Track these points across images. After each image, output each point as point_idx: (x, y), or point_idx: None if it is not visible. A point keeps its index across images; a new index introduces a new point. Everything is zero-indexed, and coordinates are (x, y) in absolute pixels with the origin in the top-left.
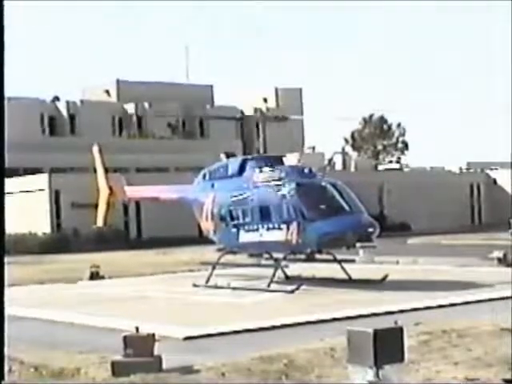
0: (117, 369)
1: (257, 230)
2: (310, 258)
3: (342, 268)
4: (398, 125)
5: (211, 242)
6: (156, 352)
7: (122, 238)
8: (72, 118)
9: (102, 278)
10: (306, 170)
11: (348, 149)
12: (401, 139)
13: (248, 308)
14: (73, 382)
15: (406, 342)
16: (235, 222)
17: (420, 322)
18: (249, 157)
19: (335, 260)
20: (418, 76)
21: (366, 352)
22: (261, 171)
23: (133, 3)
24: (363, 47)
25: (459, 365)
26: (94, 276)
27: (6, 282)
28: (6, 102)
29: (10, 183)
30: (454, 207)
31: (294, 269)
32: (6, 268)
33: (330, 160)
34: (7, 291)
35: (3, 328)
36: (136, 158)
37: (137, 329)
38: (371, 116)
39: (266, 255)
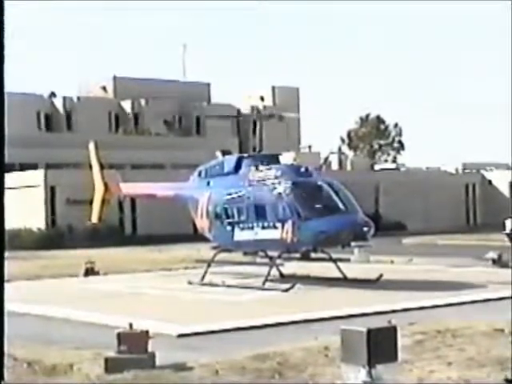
0: (110, 365)
1: (252, 228)
2: (305, 257)
3: (337, 267)
4: (395, 125)
5: (206, 240)
6: (150, 349)
7: (117, 235)
8: (68, 114)
9: (97, 274)
10: (302, 169)
11: (344, 148)
12: (397, 139)
13: (243, 306)
14: (66, 382)
15: (400, 342)
16: (230, 220)
17: (414, 321)
18: (245, 155)
19: (330, 259)
20: (415, 77)
21: (359, 351)
22: (257, 169)
23: (132, 2)
24: (361, 47)
25: (453, 365)
26: (89, 272)
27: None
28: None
29: (6, 179)
30: (449, 207)
31: (289, 267)
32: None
33: (326, 159)
34: (7, 286)
35: (3, 328)
36: (132, 154)
37: (131, 325)
38: (368, 115)
39: (261, 253)
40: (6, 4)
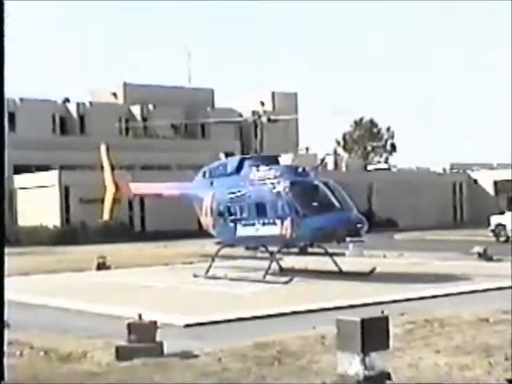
0: (121, 353)
1: (253, 224)
2: (302, 252)
3: (333, 261)
4: (388, 128)
5: (210, 236)
6: (158, 338)
7: (127, 231)
8: (81, 118)
9: (109, 268)
10: (300, 170)
11: (339, 150)
12: (390, 142)
13: (245, 298)
14: (80, 368)
15: (392, 331)
16: (233, 217)
17: (405, 312)
18: (246, 156)
19: (326, 253)
20: (406, 85)
21: (353, 339)
22: (257, 170)
23: (139, 12)
24: (356, 58)
25: (441, 352)
26: (101, 266)
27: (19, 272)
28: (18, 103)
29: (22, 179)
30: (437, 205)
31: (288, 261)
32: (20, 258)
33: (322, 160)
34: (20, 280)
35: (3, 327)
36: (141, 156)
37: (140, 316)
38: (361, 119)
39: (262, 248)
40: (22, 12)
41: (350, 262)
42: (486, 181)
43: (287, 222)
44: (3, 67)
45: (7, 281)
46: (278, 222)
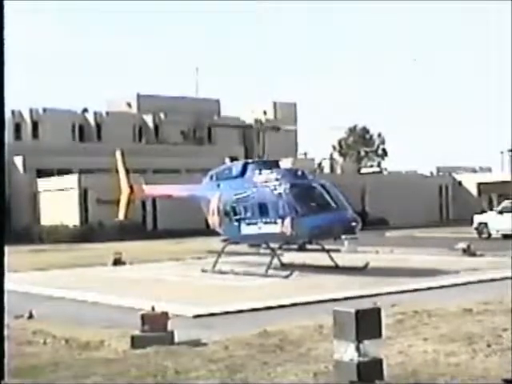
0: (135, 342)
1: (256, 223)
2: (301, 248)
3: (330, 256)
4: (379, 135)
5: (217, 234)
6: (169, 328)
7: (140, 230)
8: (98, 126)
9: (124, 263)
10: (299, 173)
11: (335, 155)
12: (381, 147)
13: (249, 291)
14: (98, 355)
15: (384, 321)
16: (238, 216)
17: (395, 303)
18: (250, 161)
19: (323, 249)
20: (397, 93)
21: (349, 329)
22: (260, 173)
23: (151, 30)
24: (349, 71)
25: (428, 340)
26: (117, 262)
27: (41, 267)
28: (41, 113)
29: (45, 182)
30: (425, 205)
31: (288, 257)
32: (42, 255)
33: (320, 164)
34: (42, 274)
35: (3, 327)
36: (153, 161)
37: (153, 308)
38: (355, 126)
39: (264, 245)
40: (48, 35)
41: (345, 257)
42: (469, 183)
43: (287, 221)
44: (3, 68)
45: (30, 275)
46: (279, 220)
